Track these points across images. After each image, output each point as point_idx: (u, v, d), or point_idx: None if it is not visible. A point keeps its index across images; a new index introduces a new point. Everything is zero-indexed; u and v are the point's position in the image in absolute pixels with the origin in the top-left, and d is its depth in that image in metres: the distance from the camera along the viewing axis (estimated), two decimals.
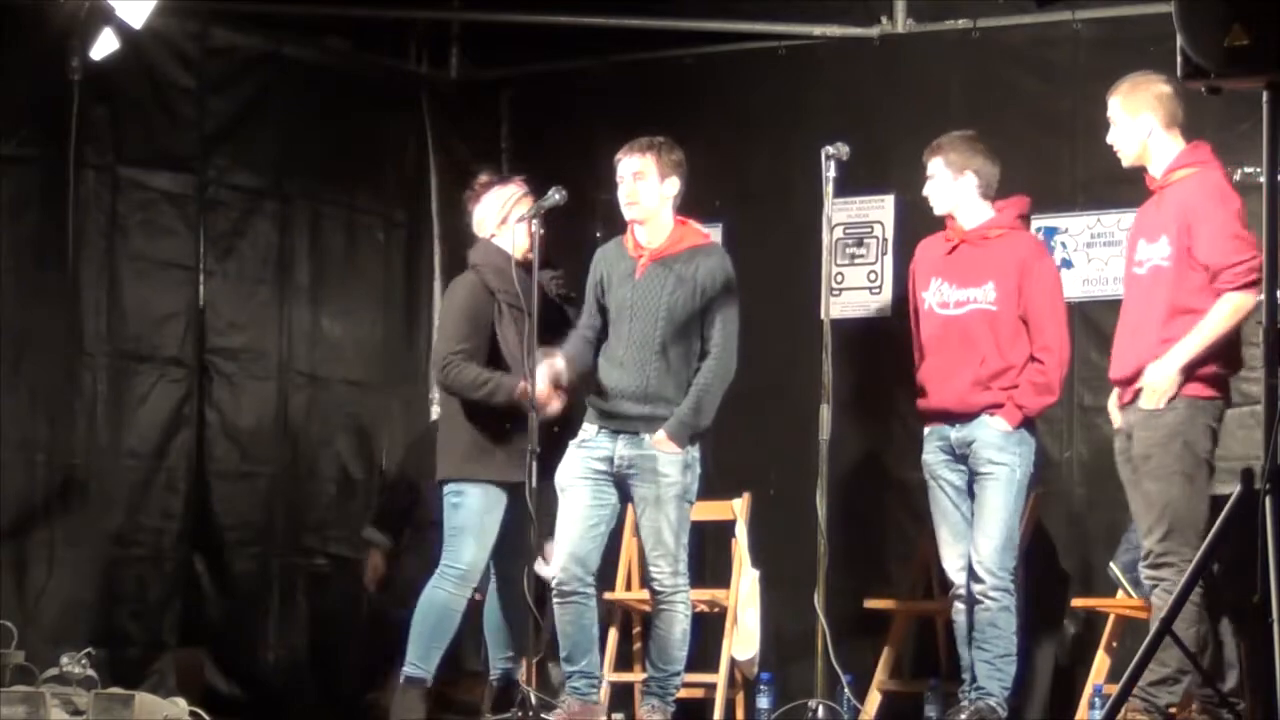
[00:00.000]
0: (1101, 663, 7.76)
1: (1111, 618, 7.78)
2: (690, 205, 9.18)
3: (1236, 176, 8.03)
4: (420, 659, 7.41)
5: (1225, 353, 6.74)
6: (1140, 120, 6.87)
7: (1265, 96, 5.34)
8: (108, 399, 8.61)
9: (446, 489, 7.49)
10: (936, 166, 7.46)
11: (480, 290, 7.51)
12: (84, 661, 7.61)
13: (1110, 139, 6.98)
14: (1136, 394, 6.80)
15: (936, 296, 7.46)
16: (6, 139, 8.29)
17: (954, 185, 7.42)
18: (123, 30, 8.07)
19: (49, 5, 8.14)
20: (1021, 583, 7.41)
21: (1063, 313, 7.43)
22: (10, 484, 8.26)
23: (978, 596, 7.24)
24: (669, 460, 7.18)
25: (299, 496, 9.27)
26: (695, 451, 7.25)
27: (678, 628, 7.25)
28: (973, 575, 7.26)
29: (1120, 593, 7.76)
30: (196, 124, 8.98)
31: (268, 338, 9.22)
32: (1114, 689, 6.14)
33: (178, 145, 8.92)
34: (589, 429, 7.27)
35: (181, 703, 7.51)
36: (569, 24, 9.40)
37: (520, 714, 7.11)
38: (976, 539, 7.26)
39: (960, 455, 7.35)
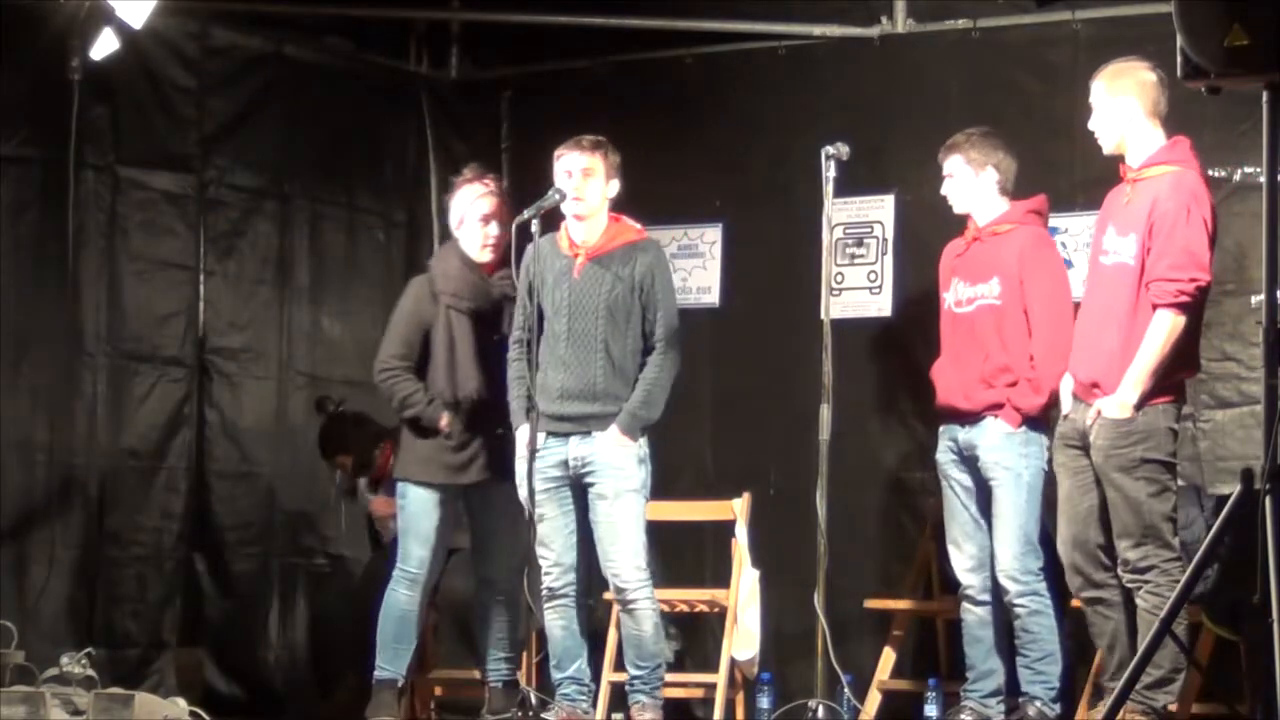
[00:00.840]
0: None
1: None
2: (690, 205, 9.22)
3: (1237, 177, 8.04)
4: (388, 662, 7.48)
5: (1180, 358, 6.70)
6: (1121, 103, 6.81)
7: (1265, 96, 5.34)
8: (108, 399, 8.61)
9: (396, 489, 7.55)
10: (955, 165, 7.42)
11: (424, 293, 7.56)
12: (84, 661, 7.61)
13: (1091, 124, 6.93)
14: (1095, 393, 6.79)
15: (953, 296, 7.45)
16: (6, 139, 8.29)
17: (975, 182, 7.40)
18: (123, 30, 8.07)
19: (49, 5, 8.14)
20: None
21: (1062, 307, 7.34)
22: (10, 484, 8.27)
23: (1008, 605, 7.26)
24: (624, 455, 7.17)
25: (299, 496, 9.27)
26: (646, 446, 7.25)
27: (649, 623, 7.23)
28: (1000, 586, 7.28)
29: None
30: (196, 124, 8.99)
31: (268, 338, 9.23)
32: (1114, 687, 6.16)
33: (178, 145, 8.92)
34: (537, 438, 7.25)
35: (181, 703, 7.51)
36: (569, 24, 9.40)
37: (520, 714, 7.11)
38: (996, 549, 7.26)
39: (967, 458, 7.35)
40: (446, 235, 9.68)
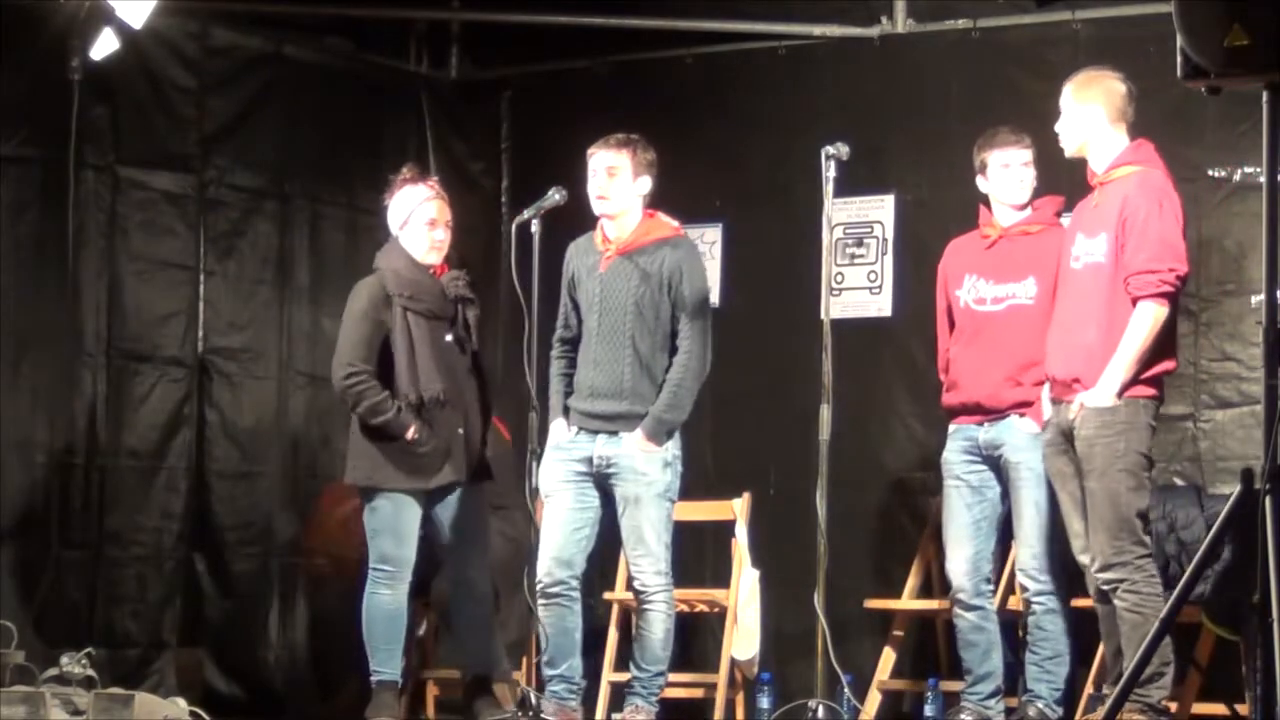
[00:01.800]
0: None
1: None
2: (690, 205, 9.20)
3: (1236, 177, 8.05)
4: (382, 664, 7.43)
5: (1160, 350, 6.72)
6: (1087, 109, 6.87)
7: (1265, 96, 5.34)
8: (108, 399, 8.61)
9: (362, 493, 7.50)
10: (1028, 155, 7.42)
11: (378, 294, 7.46)
12: (84, 661, 7.61)
13: (1057, 127, 6.97)
14: (1075, 388, 6.78)
15: (971, 293, 7.42)
16: (6, 139, 8.29)
17: (1025, 177, 7.40)
18: (123, 30, 8.07)
19: (49, 5, 8.14)
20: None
21: None
22: (10, 484, 8.26)
23: (1025, 601, 7.27)
24: (648, 458, 7.16)
25: (299, 496, 9.26)
26: (675, 449, 7.23)
27: (660, 627, 7.23)
28: (1018, 584, 7.30)
29: None
30: (196, 124, 8.98)
31: (268, 338, 9.22)
32: (1113, 690, 6.15)
33: (178, 145, 8.92)
34: (568, 431, 7.25)
35: (181, 703, 7.51)
36: (569, 24, 9.40)
37: (520, 714, 7.11)
38: (1017, 549, 7.27)
39: (987, 457, 7.33)
40: None
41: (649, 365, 7.21)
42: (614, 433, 7.19)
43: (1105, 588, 6.69)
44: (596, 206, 7.29)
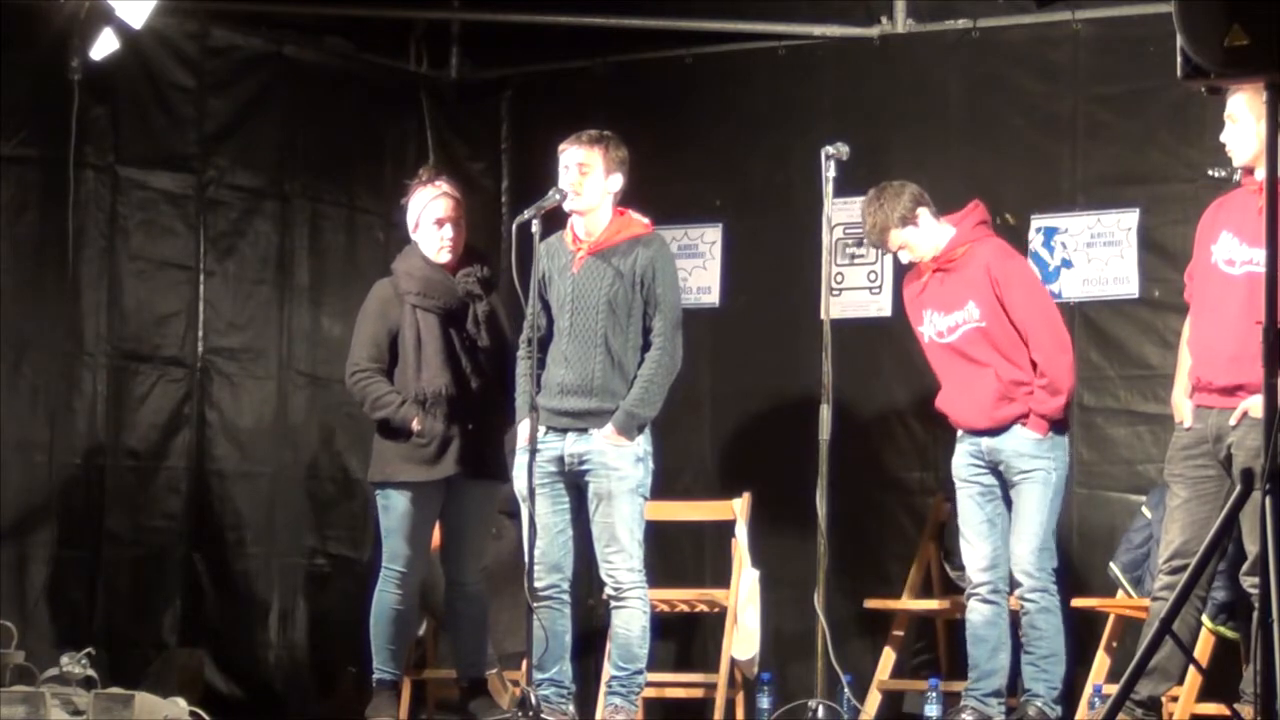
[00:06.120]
0: (1101, 663, 7.76)
1: (1111, 618, 7.79)
2: (690, 205, 9.22)
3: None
4: (384, 663, 7.47)
5: None
6: (1262, 122, 6.78)
7: (1265, 96, 5.33)
8: (108, 399, 8.61)
9: (376, 492, 7.52)
10: (903, 238, 7.41)
11: (388, 295, 7.54)
12: (84, 661, 7.60)
13: (1224, 137, 6.80)
14: (1239, 394, 6.67)
15: (931, 328, 7.45)
16: (6, 139, 8.29)
17: (920, 235, 7.40)
18: (123, 30, 8.07)
19: (49, 5, 8.14)
20: None
21: (1047, 307, 7.39)
22: (10, 484, 8.27)
23: (1019, 600, 7.27)
24: (620, 454, 7.13)
25: (299, 496, 9.27)
26: (647, 445, 7.21)
27: (637, 625, 7.19)
28: (1013, 580, 7.29)
29: (1120, 593, 7.77)
30: (196, 124, 8.98)
31: (268, 338, 9.22)
32: (1114, 689, 6.15)
33: (178, 145, 8.92)
34: (537, 430, 7.24)
35: (181, 703, 7.50)
36: (569, 24, 9.40)
37: (520, 714, 7.11)
38: (1013, 545, 7.27)
39: (990, 463, 7.34)
40: None
41: (621, 363, 7.18)
42: (584, 430, 7.17)
43: (1252, 590, 6.60)
44: (567, 203, 7.27)
